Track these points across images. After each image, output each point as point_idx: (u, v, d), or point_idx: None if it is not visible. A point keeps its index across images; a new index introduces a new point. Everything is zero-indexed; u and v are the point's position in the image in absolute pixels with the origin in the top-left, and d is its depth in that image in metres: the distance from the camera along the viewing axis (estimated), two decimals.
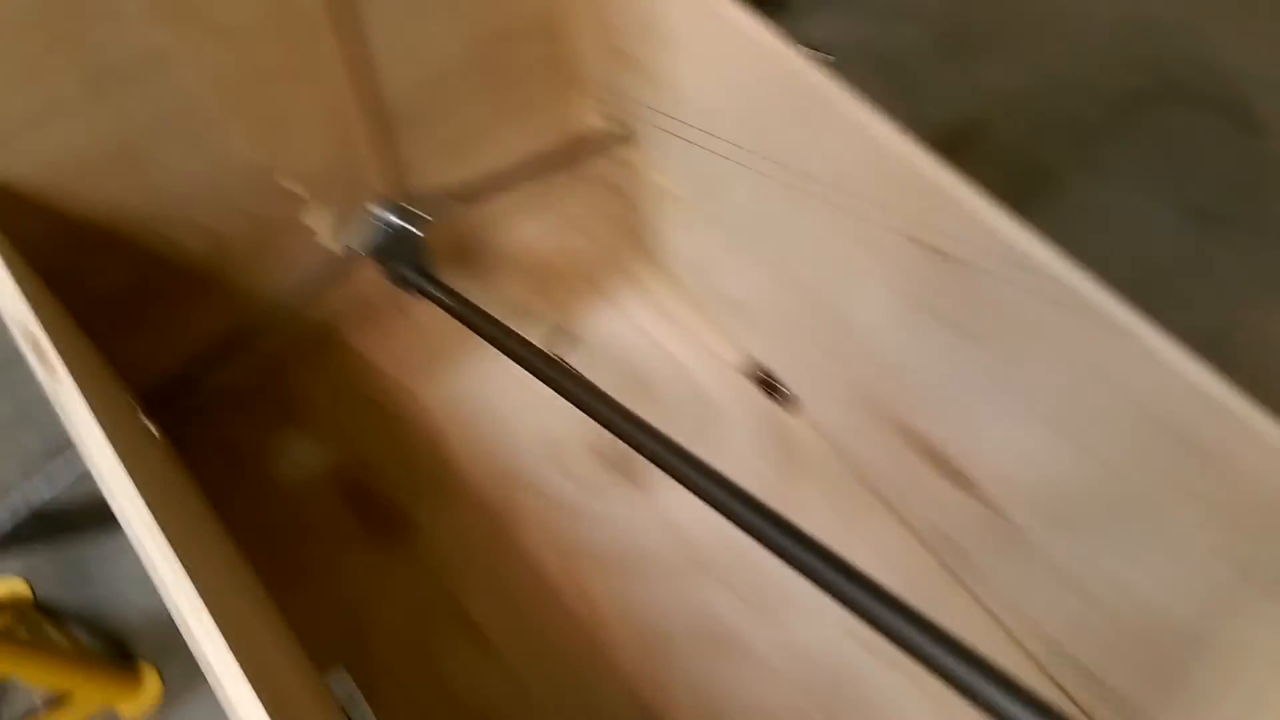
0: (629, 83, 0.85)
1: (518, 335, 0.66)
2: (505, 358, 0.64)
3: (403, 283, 0.78)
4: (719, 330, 0.96)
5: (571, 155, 0.93)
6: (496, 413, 0.89)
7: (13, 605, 0.90)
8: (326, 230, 0.78)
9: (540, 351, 0.63)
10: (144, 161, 0.66)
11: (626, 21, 0.80)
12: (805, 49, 0.65)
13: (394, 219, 0.75)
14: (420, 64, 0.78)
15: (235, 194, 0.72)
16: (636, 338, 0.95)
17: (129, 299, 0.71)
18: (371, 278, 0.80)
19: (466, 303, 0.75)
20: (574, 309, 0.97)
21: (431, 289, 0.76)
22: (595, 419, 0.57)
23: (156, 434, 0.69)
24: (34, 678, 0.80)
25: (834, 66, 0.63)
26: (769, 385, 0.93)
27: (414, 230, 0.75)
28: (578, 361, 0.90)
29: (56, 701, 0.83)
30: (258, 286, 0.79)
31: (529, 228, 1.01)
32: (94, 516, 0.97)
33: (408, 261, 0.77)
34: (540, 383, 0.61)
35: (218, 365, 0.76)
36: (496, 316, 0.70)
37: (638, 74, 0.83)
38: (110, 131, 0.63)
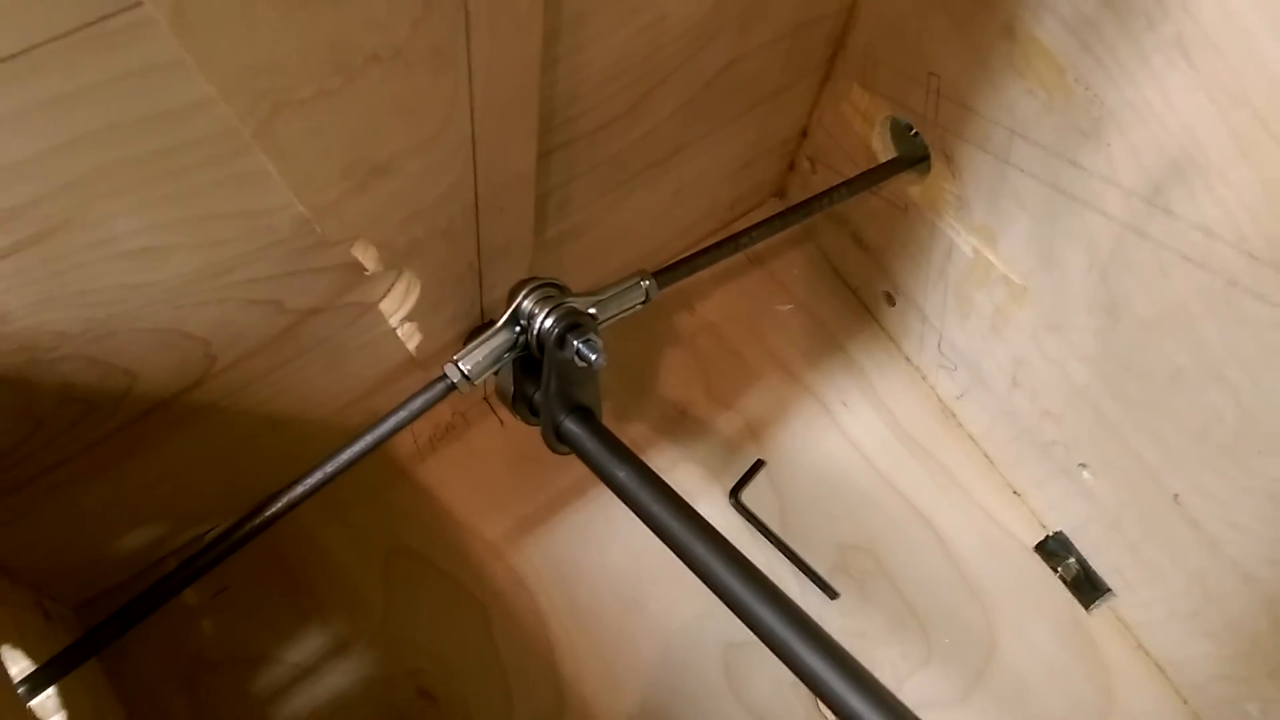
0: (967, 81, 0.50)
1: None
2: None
3: (554, 437, 0.45)
4: (1010, 489, 0.62)
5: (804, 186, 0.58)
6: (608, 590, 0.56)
7: None
8: (431, 341, 0.45)
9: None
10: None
11: None
12: None
13: (549, 323, 0.42)
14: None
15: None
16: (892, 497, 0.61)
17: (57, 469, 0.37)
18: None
19: (647, 479, 0.42)
20: (776, 437, 0.63)
21: (602, 453, 0.43)
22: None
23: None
24: None
25: None
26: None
27: (584, 349, 0.41)
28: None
29: None
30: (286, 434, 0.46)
31: (716, 302, 0.67)
32: None
33: (564, 400, 0.44)
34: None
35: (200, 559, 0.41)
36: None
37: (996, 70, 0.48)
38: None
